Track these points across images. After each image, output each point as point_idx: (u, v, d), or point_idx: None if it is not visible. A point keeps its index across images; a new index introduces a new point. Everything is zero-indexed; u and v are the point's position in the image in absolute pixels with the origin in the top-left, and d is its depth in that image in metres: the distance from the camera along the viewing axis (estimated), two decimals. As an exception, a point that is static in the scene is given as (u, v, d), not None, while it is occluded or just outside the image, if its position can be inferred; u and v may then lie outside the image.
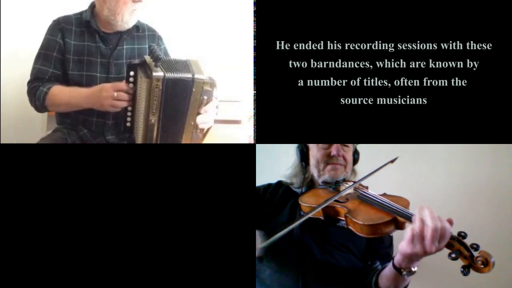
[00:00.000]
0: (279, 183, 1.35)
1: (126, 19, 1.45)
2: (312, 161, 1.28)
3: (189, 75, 1.36)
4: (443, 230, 0.88)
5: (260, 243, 1.03)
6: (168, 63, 1.38)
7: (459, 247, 0.91)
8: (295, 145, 1.33)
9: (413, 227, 0.89)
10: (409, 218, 0.95)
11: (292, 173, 1.34)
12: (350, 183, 1.19)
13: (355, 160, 1.31)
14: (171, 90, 1.35)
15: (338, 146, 1.24)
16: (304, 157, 1.30)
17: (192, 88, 1.37)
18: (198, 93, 1.38)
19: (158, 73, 1.32)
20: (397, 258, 0.97)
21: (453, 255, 0.90)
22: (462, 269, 0.90)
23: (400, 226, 0.99)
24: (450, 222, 0.91)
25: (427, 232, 0.87)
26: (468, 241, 0.92)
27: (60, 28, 1.47)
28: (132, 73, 1.36)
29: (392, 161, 1.20)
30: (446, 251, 0.92)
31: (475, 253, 0.90)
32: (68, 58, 1.46)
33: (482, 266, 0.89)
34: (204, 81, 1.37)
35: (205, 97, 1.39)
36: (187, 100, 1.38)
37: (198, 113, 1.40)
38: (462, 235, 0.92)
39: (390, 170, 1.59)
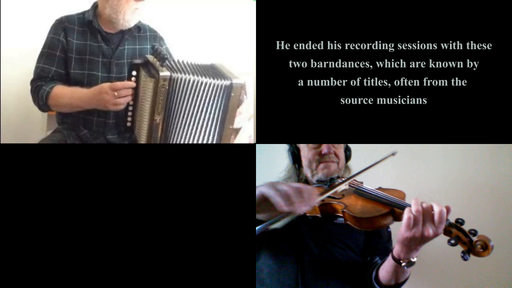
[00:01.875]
0: None
1: (128, 18, 1.46)
2: (304, 161, 1.28)
3: (227, 82, 1.36)
4: (438, 212, 0.90)
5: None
6: (190, 68, 1.38)
7: (457, 233, 0.93)
8: (286, 147, 1.33)
9: (409, 210, 0.92)
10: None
11: (286, 176, 1.34)
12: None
13: (348, 157, 1.31)
14: (192, 91, 1.36)
15: (328, 144, 1.25)
16: (296, 159, 1.30)
17: (231, 94, 1.37)
18: (236, 98, 1.38)
19: (165, 73, 1.32)
20: (396, 248, 0.98)
21: (452, 241, 0.92)
22: (462, 254, 0.92)
23: (397, 218, 1.00)
24: (448, 209, 0.93)
25: (424, 212, 0.90)
26: (466, 229, 0.94)
27: (63, 27, 1.48)
28: (134, 72, 1.36)
29: (392, 154, 1.20)
30: (446, 244, 0.93)
31: (474, 238, 0.92)
32: (70, 57, 1.46)
33: (481, 250, 0.91)
34: (242, 86, 1.38)
35: (239, 100, 1.40)
36: (225, 106, 1.38)
37: (235, 116, 1.41)
38: (459, 222, 0.94)
39: (388, 168, 1.60)
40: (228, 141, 1.43)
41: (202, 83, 1.35)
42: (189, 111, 1.39)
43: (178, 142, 1.41)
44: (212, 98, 1.38)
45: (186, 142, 1.41)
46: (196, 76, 1.35)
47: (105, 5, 1.44)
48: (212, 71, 1.40)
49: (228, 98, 1.38)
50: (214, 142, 1.42)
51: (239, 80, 1.38)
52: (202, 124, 1.41)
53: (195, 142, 1.41)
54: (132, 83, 1.36)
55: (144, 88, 1.36)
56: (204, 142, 1.42)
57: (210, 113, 1.39)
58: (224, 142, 1.43)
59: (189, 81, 1.35)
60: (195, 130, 1.41)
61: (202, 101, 1.38)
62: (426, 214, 0.91)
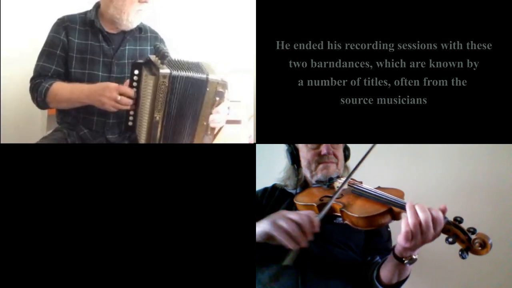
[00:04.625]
0: (274, 186, 1.36)
1: (131, 19, 1.46)
2: (304, 162, 1.28)
3: (203, 75, 1.38)
4: (436, 219, 0.90)
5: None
6: (179, 63, 1.39)
7: (455, 231, 0.92)
8: (285, 148, 1.33)
9: (407, 223, 0.92)
10: (404, 207, 0.96)
11: (285, 176, 1.34)
12: (343, 179, 1.19)
13: (346, 157, 1.31)
14: (181, 88, 1.37)
15: (327, 144, 1.25)
16: (294, 159, 1.30)
17: (206, 88, 1.39)
18: (211, 93, 1.40)
19: (165, 70, 1.33)
20: (397, 247, 0.98)
21: (450, 240, 0.92)
22: (460, 253, 0.92)
23: (396, 216, 1.00)
24: (444, 209, 0.93)
25: (422, 225, 0.90)
26: (464, 227, 0.93)
27: (65, 26, 1.48)
28: (136, 71, 1.37)
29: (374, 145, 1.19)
30: (444, 237, 0.93)
31: (472, 236, 0.91)
32: (71, 56, 1.47)
33: (480, 248, 0.90)
34: (218, 82, 1.39)
35: (217, 98, 1.41)
36: (200, 100, 1.40)
37: (210, 113, 1.42)
38: (458, 220, 0.94)
39: (387, 168, 1.60)
40: (201, 137, 1.44)
41: (185, 77, 1.36)
42: (180, 108, 1.39)
43: (173, 140, 1.42)
44: (191, 92, 1.38)
45: (176, 140, 1.43)
46: (183, 72, 1.36)
47: (109, 5, 1.45)
48: (196, 67, 1.41)
49: (203, 93, 1.39)
50: (188, 137, 1.43)
51: (216, 77, 1.39)
52: (186, 120, 1.41)
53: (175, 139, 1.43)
54: (134, 95, 1.37)
55: (145, 86, 1.36)
56: (180, 138, 1.43)
57: (190, 108, 1.40)
58: (197, 138, 1.44)
59: (180, 77, 1.36)
60: (183, 126, 1.42)
61: (186, 96, 1.38)
62: (425, 224, 0.90)
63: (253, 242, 1.02)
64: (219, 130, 1.49)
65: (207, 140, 1.45)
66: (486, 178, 1.57)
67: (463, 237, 0.92)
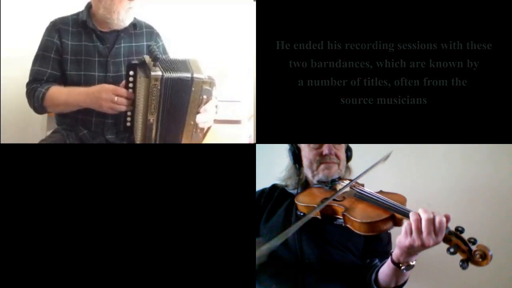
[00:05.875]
0: (274, 186, 1.36)
1: (122, 17, 1.46)
2: (305, 162, 1.28)
3: (188, 75, 1.36)
4: (438, 222, 0.90)
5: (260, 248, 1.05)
6: (167, 63, 1.38)
7: (456, 241, 0.92)
8: (287, 147, 1.33)
9: (409, 219, 0.92)
10: (406, 214, 0.96)
11: (286, 175, 1.34)
12: (346, 181, 1.19)
13: (348, 158, 1.31)
14: (170, 89, 1.36)
15: (329, 145, 1.24)
16: (296, 158, 1.30)
17: (191, 87, 1.37)
18: (197, 92, 1.38)
19: (157, 72, 1.33)
20: (395, 252, 0.98)
21: (451, 250, 0.91)
22: (460, 263, 0.92)
23: (398, 223, 1.00)
24: (448, 217, 0.92)
25: (423, 223, 0.90)
26: (465, 237, 0.93)
27: (57, 29, 1.48)
28: (131, 72, 1.36)
29: (386, 157, 1.20)
30: (445, 246, 0.93)
31: (473, 247, 0.91)
32: (66, 58, 1.46)
33: (480, 259, 0.90)
34: (203, 80, 1.37)
35: (204, 96, 1.39)
36: (186, 100, 1.38)
37: (198, 112, 1.40)
38: (459, 230, 0.94)
39: (388, 169, 1.60)
40: (190, 137, 1.43)
41: (174, 79, 1.35)
42: (171, 109, 1.39)
43: (167, 141, 1.41)
44: (179, 92, 1.37)
45: (169, 141, 1.42)
46: (173, 73, 1.35)
47: (99, 6, 1.44)
48: (183, 65, 1.40)
49: (189, 92, 1.37)
50: (177, 137, 1.42)
51: (201, 75, 1.37)
52: (176, 120, 1.41)
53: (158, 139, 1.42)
54: (132, 95, 1.37)
55: (139, 88, 1.36)
56: (172, 138, 1.42)
57: (179, 108, 1.39)
58: (186, 138, 1.42)
59: (170, 79, 1.35)
60: (174, 127, 1.41)
61: (175, 97, 1.37)
62: (427, 224, 0.90)
63: (253, 242, 1.02)
64: (208, 129, 1.48)
65: (195, 138, 1.44)
66: (487, 178, 1.57)
67: (464, 248, 0.91)
